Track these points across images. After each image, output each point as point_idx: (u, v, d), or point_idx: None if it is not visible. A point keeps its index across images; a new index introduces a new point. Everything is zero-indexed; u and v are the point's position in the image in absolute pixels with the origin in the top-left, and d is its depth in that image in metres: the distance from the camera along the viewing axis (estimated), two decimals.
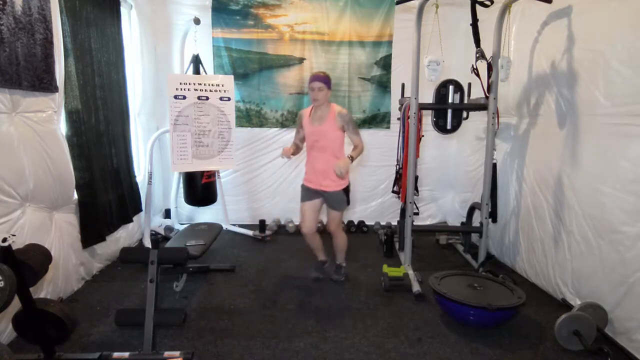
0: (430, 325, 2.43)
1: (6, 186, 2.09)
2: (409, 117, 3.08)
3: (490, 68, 2.97)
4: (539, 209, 2.92)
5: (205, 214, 4.51)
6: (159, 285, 2.13)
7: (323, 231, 4.27)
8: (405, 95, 3.61)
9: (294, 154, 2.86)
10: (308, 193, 2.88)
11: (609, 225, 2.25)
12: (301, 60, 4.39)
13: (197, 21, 3.76)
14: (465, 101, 3.25)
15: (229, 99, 3.43)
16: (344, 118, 2.70)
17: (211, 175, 3.95)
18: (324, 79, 2.68)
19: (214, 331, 2.33)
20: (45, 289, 2.43)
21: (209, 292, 2.86)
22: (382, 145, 4.49)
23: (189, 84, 3.31)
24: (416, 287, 2.82)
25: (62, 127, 2.67)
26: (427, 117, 3.66)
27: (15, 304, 1.73)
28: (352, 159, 2.69)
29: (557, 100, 2.73)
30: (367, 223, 4.52)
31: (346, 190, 2.83)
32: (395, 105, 4.31)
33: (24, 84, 2.19)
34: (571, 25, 2.59)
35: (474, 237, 3.64)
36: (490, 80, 3.01)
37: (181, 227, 3.84)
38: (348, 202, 2.88)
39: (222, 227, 3.52)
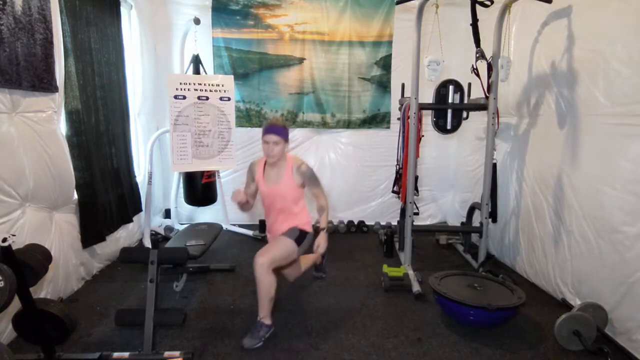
0: (430, 325, 2.43)
1: (6, 186, 2.09)
2: (409, 117, 3.08)
3: (490, 68, 2.97)
4: (539, 209, 2.92)
5: (205, 214, 4.51)
6: (159, 285, 2.13)
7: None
8: (405, 95, 3.61)
9: (244, 205, 2.42)
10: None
11: (609, 225, 2.25)
12: (301, 60, 4.39)
13: (197, 21, 3.76)
14: (465, 101, 3.25)
15: (229, 99, 3.43)
16: (304, 174, 2.36)
17: (211, 175, 3.95)
18: (281, 131, 2.30)
19: (214, 331, 2.33)
20: (45, 289, 2.43)
21: (209, 292, 2.86)
22: (382, 145, 4.50)
23: (189, 84, 3.31)
24: (416, 287, 2.82)
25: (62, 127, 2.67)
26: (427, 117, 3.66)
27: (15, 304, 1.73)
28: (326, 230, 2.42)
29: (557, 100, 2.73)
30: (367, 223, 4.52)
31: (302, 233, 2.40)
32: (395, 105, 4.31)
33: (24, 84, 2.19)
34: (571, 25, 2.59)
35: (474, 237, 3.64)
36: (490, 80, 3.01)
37: (181, 227, 3.84)
38: (298, 242, 2.36)
39: (222, 227, 3.52)
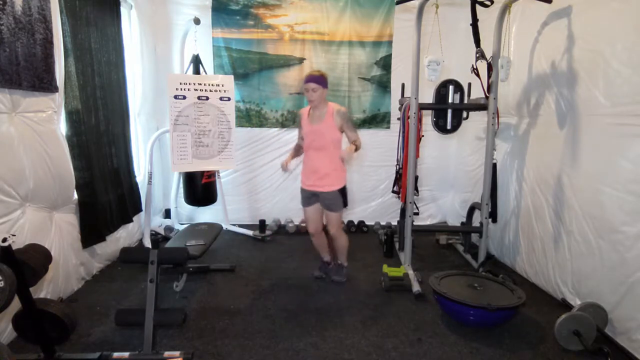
0: (430, 325, 2.43)
1: (6, 186, 2.09)
2: (409, 117, 3.08)
3: (490, 68, 2.97)
4: (539, 209, 2.92)
5: (205, 214, 4.51)
6: (159, 285, 2.13)
7: (323, 231, 4.30)
8: (405, 95, 3.61)
9: (295, 157, 2.93)
10: (307, 197, 2.88)
11: (609, 225, 2.25)
12: (301, 60, 4.39)
13: (197, 21, 3.76)
14: (465, 101, 3.25)
15: (229, 99, 3.43)
16: (343, 116, 2.69)
17: (211, 175, 3.95)
18: (319, 79, 2.65)
19: (214, 331, 2.33)
20: (45, 289, 2.43)
21: (209, 292, 2.86)
22: (382, 145, 4.50)
23: (189, 84, 3.31)
24: (416, 287, 2.82)
25: (62, 127, 2.67)
26: (427, 117, 3.66)
27: (15, 304, 1.73)
28: (356, 148, 2.72)
29: (557, 100, 2.73)
30: (367, 223, 4.52)
31: (342, 192, 2.81)
32: (395, 105, 4.31)
33: (24, 84, 2.19)
34: (571, 25, 2.59)
35: (474, 237, 3.64)
36: (490, 80, 3.01)
37: (181, 227, 3.84)
38: (345, 204, 2.84)
39: (222, 227, 3.52)
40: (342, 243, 2.96)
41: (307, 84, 2.64)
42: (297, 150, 2.97)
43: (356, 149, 2.74)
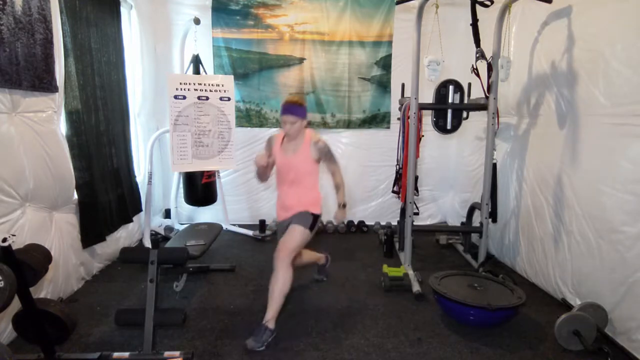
0: (430, 325, 2.43)
1: (6, 186, 2.09)
2: (409, 117, 3.08)
3: (490, 68, 2.97)
4: (539, 209, 2.92)
5: (205, 214, 4.51)
6: (159, 285, 2.13)
7: (323, 231, 4.31)
8: (405, 95, 3.61)
9: (262, 173, 2.48)
10: (283, 230, 2.49)
11: (609, 225, 2.25)
12: (301, 60, 4.39)
13: (197, 21, 3.76)
14: (465, 101, 3.25)
15: (229, 99, 3.43)
16: (321, 150, 2.38)
17: (211, 175, 3.95)
18: (298, 110, 2.31)
19: (214, 331, 2.33)
20: (45, 289, 2.43)
21: (209, 292, 2.86)
22: (382, 145, 4.50)
23: (189, 84, 3.31)
24: (416, 287, 2.82)
25: (62, 127, 2.67)
26: (427, 117, 3.66)
27: (15, 304, 1.73)
28: (344, 204, 2.49)
29: (557, 100, 2.73)
30: (367, 223, 4.52)
31: (315, 217, 2.43)
32: (395, 105, 4.31)
33: (24, 84, 2.19)
34: (571, 25, 2.59)
35: (474, 237, 3.64)
36: (490, 80, 3.01)
37: (181, 227, 3.84)
38: (311, 228, 2.40)
39: (222, 227, 3.52)
40: (280, 281, 2.22)
41: (285, 117, 2.31)
42: (264, 173, 2.51)
43: (344, 192, 2.51)
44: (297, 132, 2.37)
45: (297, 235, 2.35)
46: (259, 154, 2.40)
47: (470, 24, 2.86)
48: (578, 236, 2.49)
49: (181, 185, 4.14)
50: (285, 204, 2.48)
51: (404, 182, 3.26)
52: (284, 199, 2.50)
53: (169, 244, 3.15)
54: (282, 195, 2.53)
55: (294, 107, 2.32)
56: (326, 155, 2.44)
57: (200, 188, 3.87)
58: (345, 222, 4.51)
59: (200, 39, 4.02)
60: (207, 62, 4.19)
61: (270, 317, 2.22)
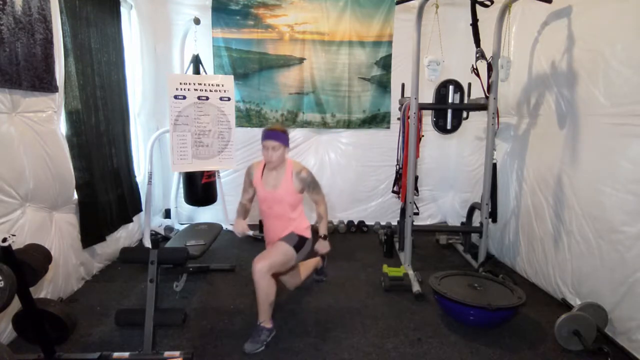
0: (430, 325, 2.43)
1: (6, 186, 2.09)
2: (409, 117, 3.08)
3: (490, 68, 2.97)
4: (539, 209, 2.92)
5: (205, 214, 4.51)
6: (159, 285, 2.13)
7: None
8: (405, 95, 3.61)
9: (245, 218, 2.46)
10: None
11: (609, 225, 2.25)
12: (301, 60, 4.39)
13: (197, 21, 3.76)
14: (465, 101, 3.25)
15: (229, 99, 3.43)
16: (304, 181, 2.30)
17: (211, 175, 3.95)
18: (281, 136, 2.24)
19: (214, 331, 2.33)
20: (45, 289, 2.43)
21: (209, 292, 2.86)
22: (382, 145, 4.50)
23: (189, 84, 3.31)
24: (416, 287, 2.82)
25: (62, 127, 2.67)
26: (427, 117, 3.66)
27: (15, 304, 1.73)
28: (326, 236, 2.43)
29: (557, 100, 2.73)
30: (367, 223, 4.52)
31: (301, 239, 2.35)
32: (395, 105, 4.31)
33: (24, 84, 2.19)
34: (571, 25, 2.59)
35: (474, 237, 3.64)
36: (490, 80, 3.01)
37: (181, 227, 3.84)
38: (297, 249, 2.30)
39: (222, 227, 3.52)
40: (264, 291, 2.15)
41: (267, 142, 2.23)
42: (244, 211, 2.50)
43: (327, 224, 2.45)
44: (279, 161, 2.27)
45: (280, 250, 2.25)
46: (237, 222, 2.38)
47: (470, 24, 2.86)
48: (578, 236, 2.49)
49: (181, 185, 4.14)
50: (274, 235, 2.40)
51: (404, 182, 3.26)
52: (270, 233, 2.44)
53: (169, 244, 3.15)
54: (267, 229, 2.46)
55: (276, 133, 2.24)
56: (310, 186, 2.34)
57: (200, 188, 3.87)
58: (346, 222, 4.52)
59: (200, 39, 4.02)
60: (207, 62, 4.18)
61: (263, 320, 2.21)
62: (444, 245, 3.94)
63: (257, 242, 4.00)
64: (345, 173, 4.60)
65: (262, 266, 2.12)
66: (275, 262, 2.20)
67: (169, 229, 4.13)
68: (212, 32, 4.24)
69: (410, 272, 3.05)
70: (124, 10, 3.54)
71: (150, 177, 3.68)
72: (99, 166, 3.04)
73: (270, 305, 2.20)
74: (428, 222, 4.71)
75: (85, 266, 2.94)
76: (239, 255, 3.60)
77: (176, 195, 4.38)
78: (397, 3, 3.19)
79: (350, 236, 4.32)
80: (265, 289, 2.14)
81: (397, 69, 4.41)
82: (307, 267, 2.81)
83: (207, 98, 3.36)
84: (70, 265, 2.71)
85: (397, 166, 3.53)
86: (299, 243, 2.32)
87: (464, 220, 3.76)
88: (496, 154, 3.16)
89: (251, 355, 2.11)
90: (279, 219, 2.36)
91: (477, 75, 2.95)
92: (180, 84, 3.28)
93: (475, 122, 3.78)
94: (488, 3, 2.69)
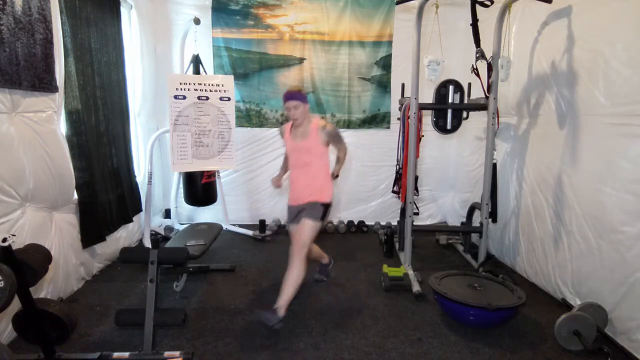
0: (430, 325, 2.43)
1: (6, 186, 2.09)
2: (409, 117, 3.08)
3: (490, 68, 2.97)
4: (539, 209, 2.92)
5: (205, 214, 4.51)
6: (159, 285, 2.13)
7: (324, 231, 4.30)
8: (405, 95, 3.61)
9: (286, 172, 2.82)
10: (293, 214, 2.68)
11: (609, 225, 2.25)
12: (301, 60, 4.39)
13: (197, 21, 3.76)
14: (465, 101, 3.25)
15: (229, 99, 3.43)
16: (329, 134, 2.53)
17: (211, 175, 3.95)
18: (298, 95, 2.49)
19: (214, 331, 2.33)
20: (45, 289, 2.43)
21: (209, 292, 2.86)
22: (382, 145, 4.50)
23: (189, 84, 3.31)
24: (416, 287, 2.82)
25: (62, 127, 2.67)
26: (427, 117, 3.66)
27: (15, 304, 1.73)
28: (337, 175, 2.73)
29: (557, 100, 2.73)
30: (367, 223, 4.52)
31: (325, 206, 2.58)
32: (395, 105, 4.31)
33: (24, 84, 2.19)
34: (571, 25, 2.59)
35: (474, 237, 3.64)
36: (490, 80, 3.01)
37: (181, 227, 3.84)
38: (323, 218, 2.55)
39: (222, 227, 3.52)
40: (294, 274, 2.42)
41: (288, 102, 2.48)
42: (285, 166, 2.84)
43: (343, 159, 2.76)
44: (303, 117, 2.52)
45: (308, 229, 2.52)
46: (274, 179, 2.77)
47: (470, 24, 2.86)
48: (578, 236, 2.49)
49: (181, 185, 4.14)
50: (297, 188, 2.62)
51: (404, 182, 3.26)
52: (295, 184, 2.65)
53: (169, 244, 3.14)
54: (294, 179, 2.66)
55: (293, 94, 2.49)
56: (335, 138, 2.60)
57: (200, 188, 3.87)
58: (346, 222, 4.52)
59: (200, 39, 4.03)
60: (207, 62, 4.19)
61: (282, 304, 2.34)
62: (444, 245, 3.94)
63: (257, 242, 4.01)
64: (345, 173, 4.59)
65: (299, 250, 2.46)
66: (308, 240, 2.53)
67: (169, 229, 4.13)
68: (212, 32, 4.25)
69: (410, 272, 3.05)
70: (124, 10, 3.54)
71: (150, 177, 3.68)
72: (99, 166, 3.04)
73: (294, 290, 2.41)
74: (428, 222, 4.71)
75: (85, 266, 2.94)
76: (239, 255, 3.60)
77: (176, 195, 4.38)
78: (397, 3, 3.19)
79: (351, 236, 4.32)
80: (297, 272, 2.41)
81: (397, 69, 4.41)
82: (318, 250, 2.96)
83: (207, 98, 3.36)
84: (70, 265, 2.71)
85: (397, 166, 3.53)
86: (323, 213, 2.57)
87: (464, 220, 3.76)
88: (496, 154, 3.16)
89: (251, 354, 2.11)
90: (306, 169, 2.58)
91: (477, 75, 2.95)
92: (180, 84, 3.29)
93: (475, 122, 3.78)
94: (488, 3, 2.69)
